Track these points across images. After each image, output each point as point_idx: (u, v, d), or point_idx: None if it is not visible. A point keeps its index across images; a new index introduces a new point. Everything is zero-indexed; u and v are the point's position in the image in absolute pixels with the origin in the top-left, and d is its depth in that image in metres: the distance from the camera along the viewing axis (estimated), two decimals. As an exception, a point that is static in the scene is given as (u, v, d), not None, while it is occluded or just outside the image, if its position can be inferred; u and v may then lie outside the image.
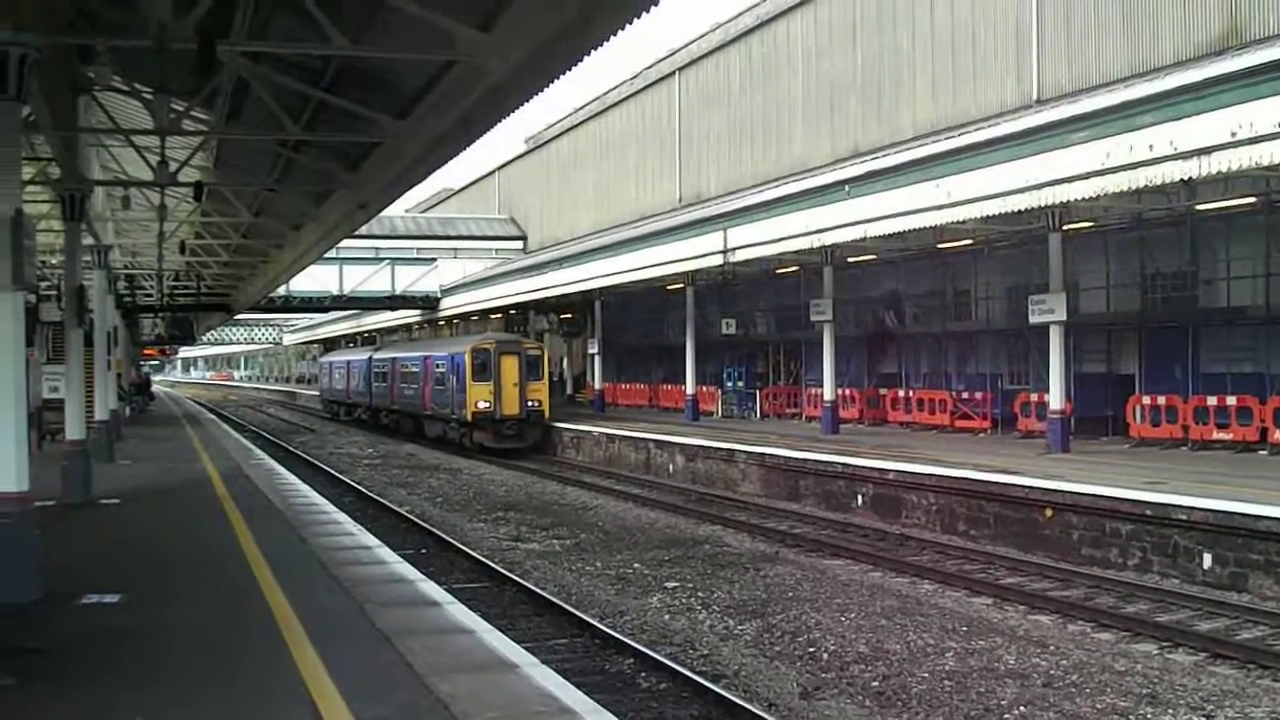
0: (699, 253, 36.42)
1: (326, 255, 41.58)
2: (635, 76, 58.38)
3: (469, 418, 43.83)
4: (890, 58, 38.60)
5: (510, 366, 43.86)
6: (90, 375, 28.74)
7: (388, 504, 29.26)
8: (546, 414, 44.67)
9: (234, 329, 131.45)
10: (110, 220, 30.86)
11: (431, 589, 13.43)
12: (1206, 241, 29.75)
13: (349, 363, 69.26)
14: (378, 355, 62.02)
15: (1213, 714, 12.23)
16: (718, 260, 35.66)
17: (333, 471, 37.69)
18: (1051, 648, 14.93)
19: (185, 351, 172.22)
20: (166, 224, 30.33)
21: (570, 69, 12.87)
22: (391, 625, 11.31)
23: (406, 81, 15.72)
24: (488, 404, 43.39)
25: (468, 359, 43.86)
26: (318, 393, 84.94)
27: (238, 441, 40.78)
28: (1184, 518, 18.90)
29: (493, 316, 67.77)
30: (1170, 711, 12.28)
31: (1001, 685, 13.19)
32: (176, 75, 16.63)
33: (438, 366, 48.06)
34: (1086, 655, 14.59)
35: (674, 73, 54.07)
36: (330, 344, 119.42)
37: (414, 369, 52.24)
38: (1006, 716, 12.17)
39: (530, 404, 43.91)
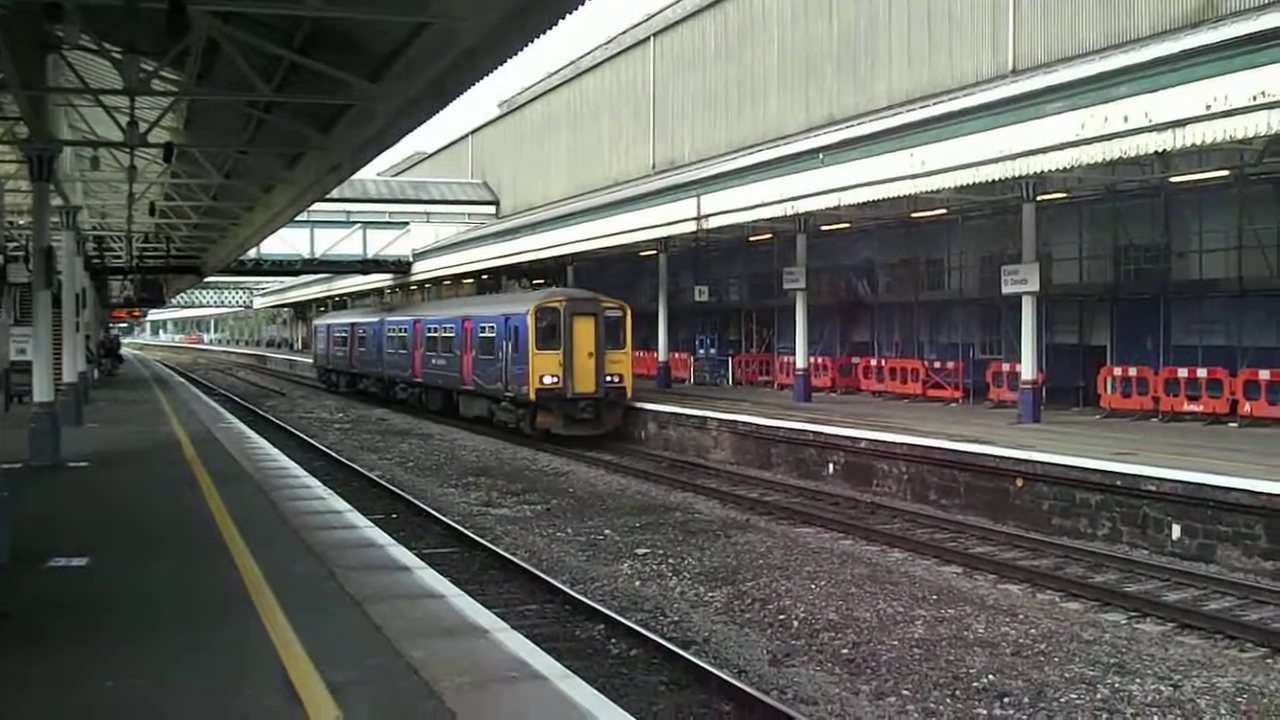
0: (672, 219, 36.30)
1: (298, 218, 41.31)
2: (610, 41, 58.15)
3: (532, 396, 34.73)
4: (866, 25, 38.50)
5: (585, 331, 35.06)
6: (58, 337, 28.52)
7: (358, 469, 29.17)
8: (629, 392, 36.09)
9: (204, 292, 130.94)
10: (79, 181, 30.59)
11: (402, 554, 13.38)
12: (1179, 214, 29.86)
13: (354, 325, 60.11)
14: (393, 317, 53.01)
15: (1180, 684, 12.28)
16: (691, 227, 35.59)
17: (303, 436, 37.55)
18: (1020, 617, 14.99)
19: (154, 314, 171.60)
20: (136, 185, 30.07)
21: (544, 33, 12.78)
22: (362, 590, 11.26)
23: (379, 44, 15.59)
24: (555, 379, 34.56)
25: (530, 321, 34.87)
26: (310, 360, 76.61)
27: (207, 405, 40.58)
28: (1153, 489, 19.01)
29: (464, 281, 67.60)
30: (1138, 681, 12.34)
31: (970, 653, 13.25)
32: (146, 34, 16.43)
33: (484, 330, 39.16)
34: (1055, 624, 14.66)
35: (649, 38, 53.83)
36: (301, 307, 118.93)
37: (448, 334, 43.26)
38: (975, 684, 12.20)
39: (609, 379, 35.15)
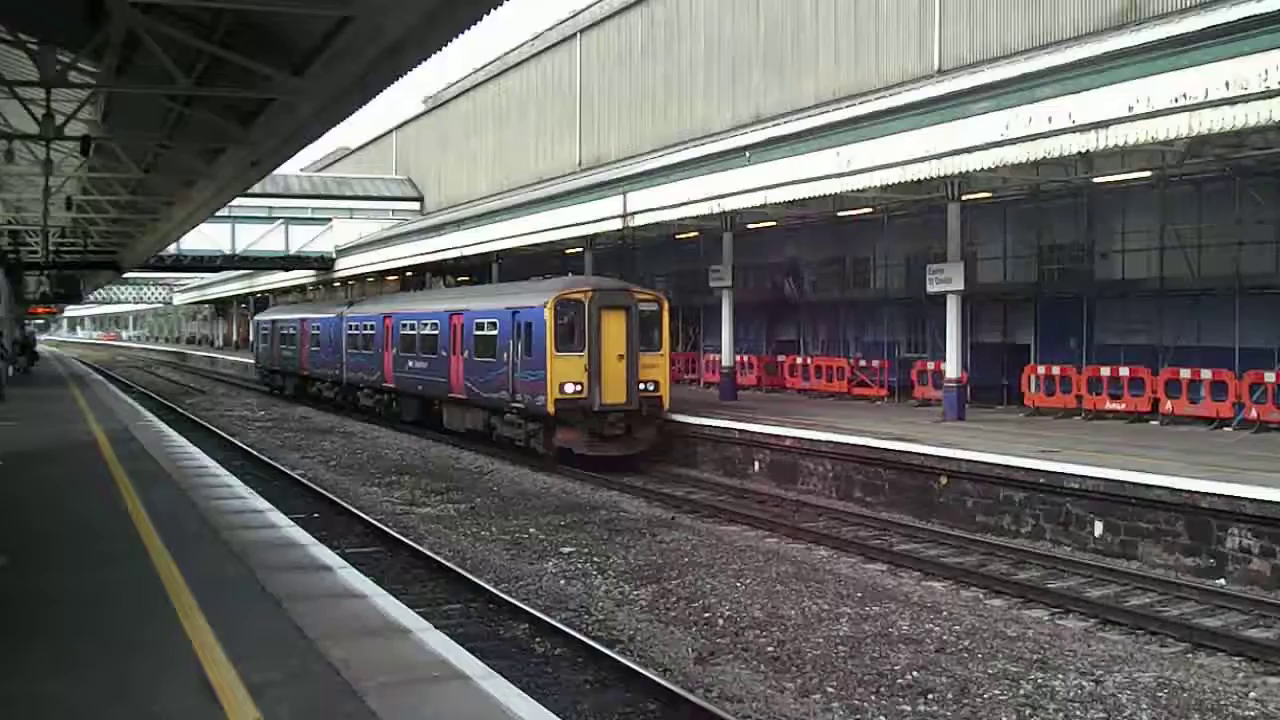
0: (598, 216, 36.24)
1: (219, 214, 40.77)
2: (536, 37, 58.04)
3: (550, 408, 28.63)
4: (793, 24, 38.64)
5: (615, 328, 29.03)
6: (-28, 333, 28.05)
7: (280, 467, 28.87)
8: (666, 402, 29.93)
9: (122, 288, 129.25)
10: (-8, 175, 30.02)
11: (324, 554, 13.21)
12: (1102, 214, 30.17)
13: (304, 322, 52.92)
14: (356, 312, 46.20)
15: (1101, 679, 12.38)
16: (617, 224, 35.51)
17: (223, 434, 37.10)
18: (945, 613, 15.07)
19: (72, 311, 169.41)
20: (52, 179, 29.51)
21: (469, 28, 12.63)
22: (283, 590, 11.10)
23: (302, 37, 15.38)
24: (579, 387, 28.47)
25: (548, 316, 28.75)
26: (231, 358, 71.29)
27: (125, 403, 40.00)
28: (1076, 486, 19.17)
29: (388, 278, 67.20)
30: (1060, 676, 12.43)
31: (895, 650, 13.29)
32: (63, 25, 16.13)
33: (480, 328, 32.93)
34: (979, 621, 14.74)
35: (576, 34, 53.79)
36: (222, 304, 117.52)
37: (430, 331, 37.04)
38: (900, 681, 12.24)
39: (643, 387, 29.12)
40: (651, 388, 29.28)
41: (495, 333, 31.76)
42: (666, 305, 30.75)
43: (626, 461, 29.04)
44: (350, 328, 45.55)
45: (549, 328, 28.70)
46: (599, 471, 27.95)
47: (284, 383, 57.88)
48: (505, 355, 30.89)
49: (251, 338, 76.57)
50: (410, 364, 38.66)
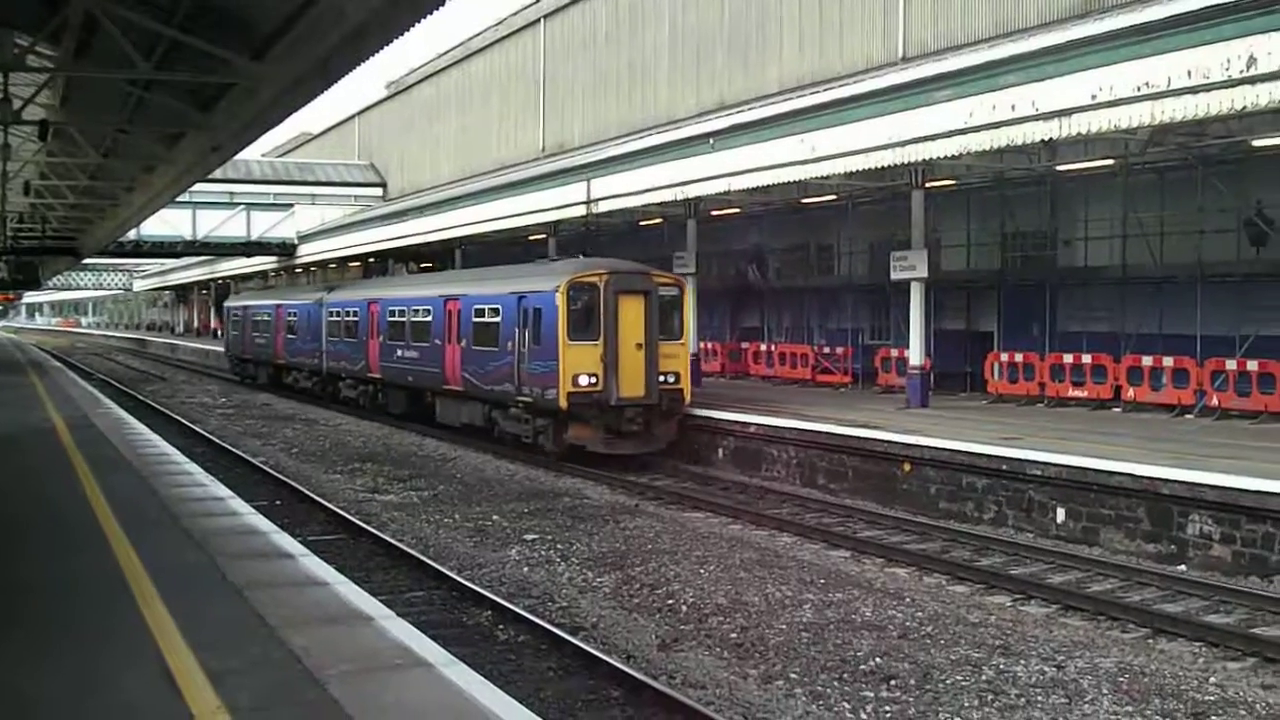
0: (562, 203, 36.18)
1: (179, 199, 40.52)
2: (500, 23, 57.87)
3: (562, 402, 26.15)
4: (757, 11, 38.60)
5: (633, 314, 26.50)
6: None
7: (241, 455, 28.67)
8: (688, 395, 27.97)
9: (82, 274, 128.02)
10: (-50, 159, 29.68)
11: (286, 541, 13.13)
12: (1066, 202, 30.30)
13: (280, 308, 49.65)
14: (337, 297, 43.33)
15: (1063, 664, 12.43)
16: (580, 211, 35.47)
17: (184, 421, 36.82)
18: (908, 600, 15.09)
19: (30, 297, 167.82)
20: (10, 164, 29.23)
21: (433, 11, 12.55)
22: (244, 578, 11.02)
23: (263, 21, 15.25)
24: (594, 379, 26.03)
25: (560, 301, 26.26)
26: (214, 347, 66.76)
27: (85, 390, 39.67)
28: (1039, 473, 19.27)
29: (350, 264, 66.89)
30: (1022, 662, 12.47)
31: (858, 636, 13.31)
32: (21, 8, 15.97)
33: (480, 314, 30.42)
34: (942, 607, 14.77)
35: (539, 20, 53.62)
36: (183, 290, 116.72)
37: (421, 318, 34.28)
38: (863, 667, 12.25)
39: (663, 379, 26.74)
40: (672, 380, 27.05)
41: (498, 319, 29.19)
42: (688, 290, 28.88)
43: (642, 460, 27.05)
44: (331, 314, 42.84)
45: (561, 314, 26.30)
46: (579, 464, 26.79)
47: (257, 372, 54.55)
48: (510, 344, 28.35)
49: (221, 324, 74.10)
50: (399, 353, 36.04)
